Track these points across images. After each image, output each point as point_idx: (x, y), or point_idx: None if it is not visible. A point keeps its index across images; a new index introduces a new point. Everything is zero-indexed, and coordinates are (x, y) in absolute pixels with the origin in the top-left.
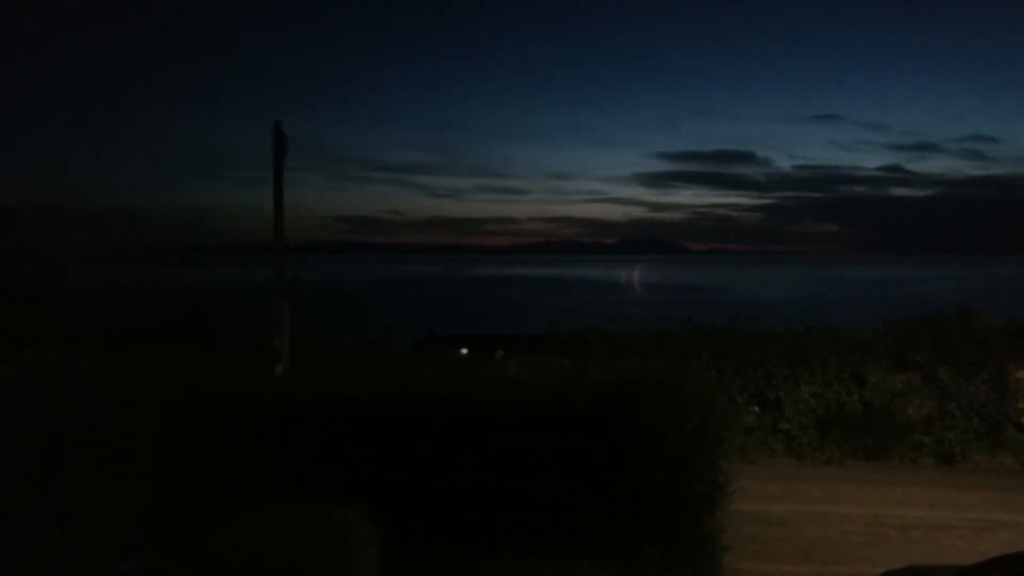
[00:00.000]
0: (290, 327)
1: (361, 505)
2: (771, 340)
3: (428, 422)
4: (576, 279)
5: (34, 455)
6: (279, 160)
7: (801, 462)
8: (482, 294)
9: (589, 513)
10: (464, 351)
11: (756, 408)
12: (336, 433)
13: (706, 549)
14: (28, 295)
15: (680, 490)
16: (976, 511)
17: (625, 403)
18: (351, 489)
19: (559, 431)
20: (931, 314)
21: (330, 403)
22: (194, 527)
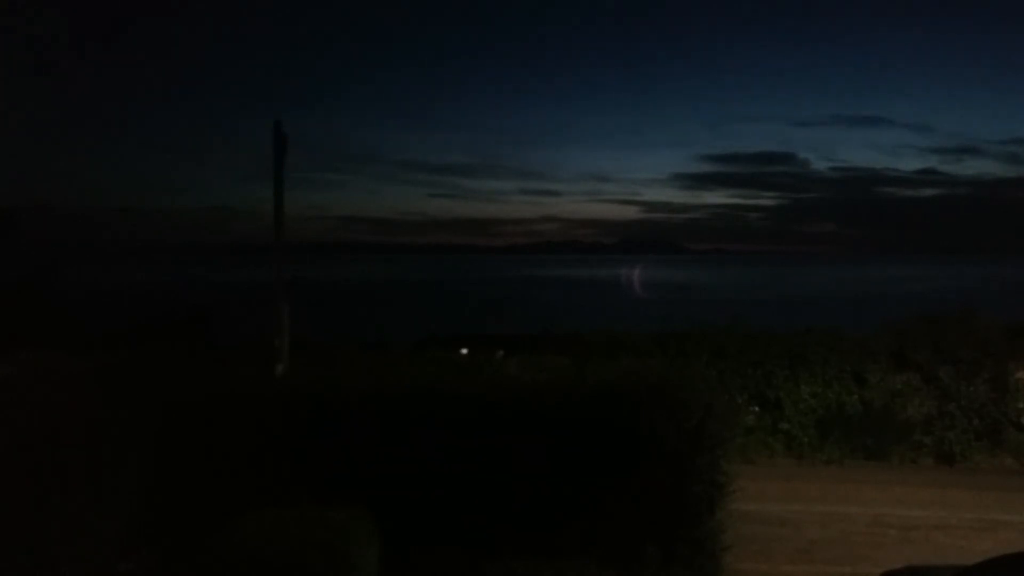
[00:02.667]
0: (290, 327)
1: (361, 505)
2: (771, 340)
3: (428, 422)
4: (561, 279)
5: (33, 455)
6: (279, 160)
7: (801, 462)
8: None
9: (589, 513)
10: (464, 351)
11: (756, 408)
12: (336, 433)
13: (706, 549)
14: (28, 295)
15: (680, 490)
16: (976, 511)
17: (625, 403)
18: (351, 488)
19: (559, 431)
20: (931, 314)
21: (330, 403)
22: (194, 527)
